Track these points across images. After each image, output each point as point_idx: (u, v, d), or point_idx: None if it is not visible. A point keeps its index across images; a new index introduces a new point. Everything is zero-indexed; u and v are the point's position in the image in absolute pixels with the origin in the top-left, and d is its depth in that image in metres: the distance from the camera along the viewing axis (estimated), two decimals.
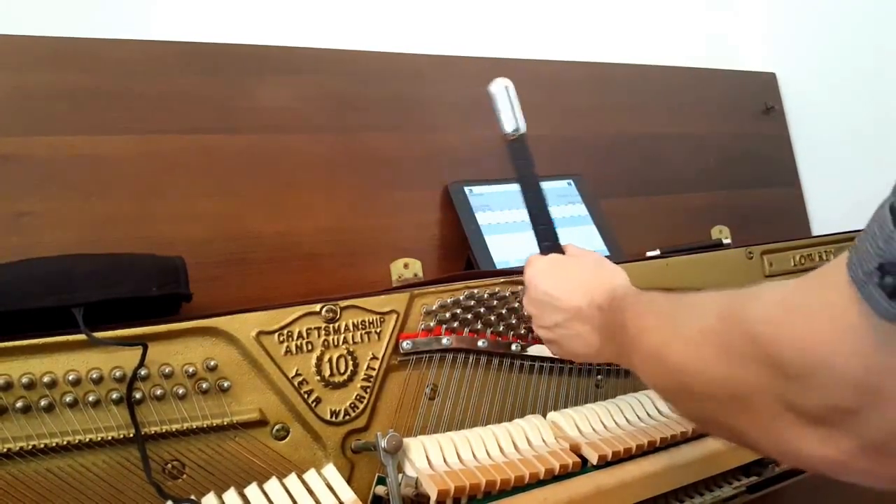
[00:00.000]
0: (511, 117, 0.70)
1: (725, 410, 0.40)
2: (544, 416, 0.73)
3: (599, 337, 0.58)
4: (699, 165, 1.31)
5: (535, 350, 0.76)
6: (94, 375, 0.59)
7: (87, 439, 0.58)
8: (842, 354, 0.31)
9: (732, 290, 0.42)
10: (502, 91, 0.70)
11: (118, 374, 0.59)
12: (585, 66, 1.25)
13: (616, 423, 0.73)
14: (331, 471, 0.62)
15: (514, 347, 0.76)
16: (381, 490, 0.63)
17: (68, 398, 0.58)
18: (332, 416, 0.67)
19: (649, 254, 1.07)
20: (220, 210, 0.88)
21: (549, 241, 0.70)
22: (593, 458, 0.66)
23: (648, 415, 0.75)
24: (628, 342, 0.51)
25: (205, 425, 0.62)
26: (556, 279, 0.63)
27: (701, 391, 0.42)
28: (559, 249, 0.69)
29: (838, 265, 0.32)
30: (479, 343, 0.75)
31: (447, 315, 0.74)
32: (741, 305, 0.39)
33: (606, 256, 1.01)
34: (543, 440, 0.69)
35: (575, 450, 0.67)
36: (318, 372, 0.67)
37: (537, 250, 0.70)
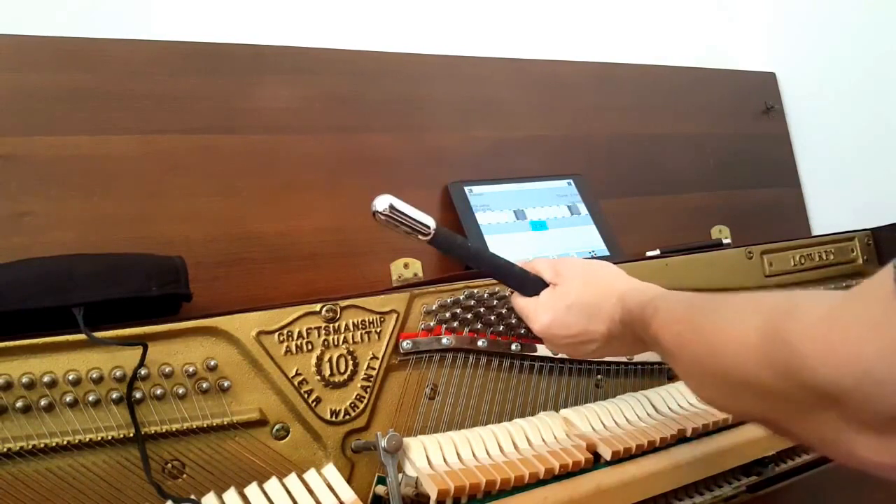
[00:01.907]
0: (418, 224, 0.63)
1: (778, 415, 0.40)
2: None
3: (634, 341, 0.58)
4: (699, 165, 1.31)
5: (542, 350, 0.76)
6: (94, 375, 0.59)
7: (87, 439, 0.58)
8: (890, 366, 0.31)
9: (765, 296, 0.41)
10: (388, 208, 0.62)
11: (118, 373, 0.59)
12: (585, 66, 1.25)
13: (616, 422, 0.73)
14: (331, 471, 0.62)
15: (514, 347, 0.76)
16: (381, 490, 0.63)
17: (68, 398, 0.58)
18: (332, 416, 0.67)
19: (649, 254, 1.07)
20: (220, 210, 0.88)
21: (525, 284, 0.67)
22: (608, 455, 0.66)
23: (648, 414, 0.75)
24: (667, 351, 0.51)
25: (205, 425, 0.62)
26: (568, 320, 0.62)
27: (749, 401, 0.42)
28: (538, 282, 0.66)
29: (883, 277, 0.32)
30: (479, 343, 0.75)
31: (447, 315, 0.74)
32: (783, 319, 0.38)
33: (605, 257, 1.02)
34: (555, 437, 0.69)
35: (590, 447, 0.67)
36: (318, 372, 0.67)
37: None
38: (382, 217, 0.61)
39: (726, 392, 0.44)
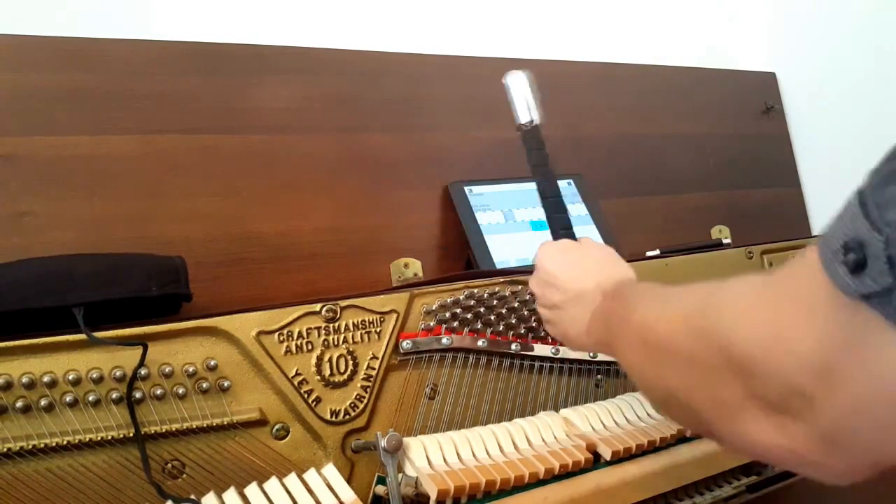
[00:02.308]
0: (519, 109, 0.71)
1: (692, 395, 0.40)
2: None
3: (591, 321, 0.58)
4: (699, 165, 1.31)
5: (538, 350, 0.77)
6: (94, 375, 0.59)
7: (87, 439, 0.58)
8: (805, 339, 0.31)
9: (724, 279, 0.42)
10: (517, 82, 0.71)
11: (118, 373, 0.59)
12: (585, 66, 1.25)
13: (616, 422, 0.73)
14: (331, 470, 0.62)
15: (514, 347, 0.76)
16: (381, 490, 0.63)
17: (68, 398, 0.58)
18: (332, 416, 0.67)
19: (649, 254, 1.07)
20: (220, 210, 0.88)
21: (563, 228, 0.70)
22: (607, 455, 0.66)
23: (648, 414, 0.75)
24: (616, 325, 0.52)
25: (205, 425, 0.62)
26: (563, 262, 0.63)
27: (671, 370, 0.43)
28: (571, 235, 0.69)
29: (811, 250, 0.32)
30: (479, 343, 0.75)
31: (447, 315, 0.74)
32: (718, 292, 0.40)
33: None
34: (555, 437, 0.69)
35: (590, 447, 0.67)
36: (318, 371, 0.67)
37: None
38: (508, 82, 0.72)
39: (654, 367, 0.45)
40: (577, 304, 0.60)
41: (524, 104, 0.71)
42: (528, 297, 0.78)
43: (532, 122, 0.71)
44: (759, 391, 0.34)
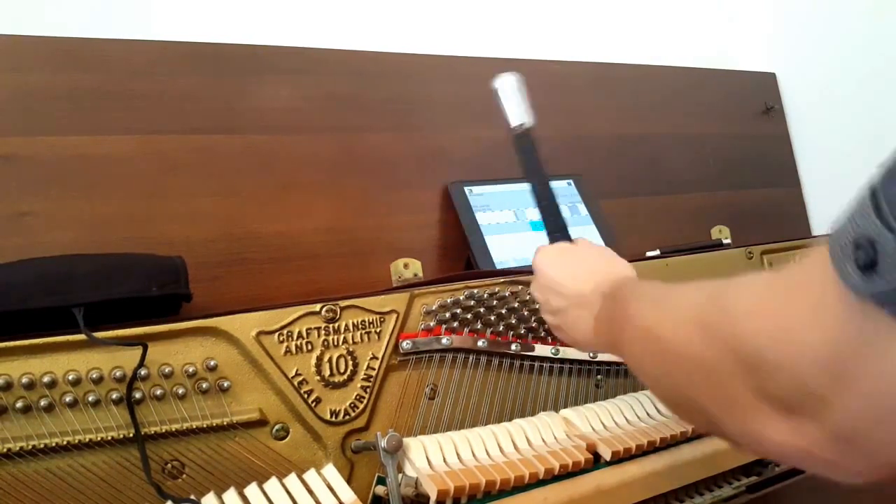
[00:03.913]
0: (516, 112, 0.70)
1: (702, 395, 0.40)
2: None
3: (595, 320, 0.58)
4: (699, 165, 1.31)
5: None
6: (94, 375, 0.59)
7: (87, 439, 0.58)
8: (816, 338, 0.31)
9: (717, 279, 0.42)
10: (507, 86, 0.71)
11: (118, 374, 0.59)
12: (586, 66, 1.25)
13: (616, 422, 0.73)
14: (331, 471, 0.62)
15: (514, 347, 0.76)
16: (381, 490, 0.63)
17: (68, 398, 0.58)
18: (332, 416, 0.67)
19: (649, 254, 1.07)
20: (220, 210, 0.88)
21: (559, 231, 0.70)
22: (607, 455, 0.66)
23: (648, 414, 0.75)
24: (621, 324, 0.52)
25: (205, 425, 0.62)
26: (562, 266, 0.63)
27: (679, 371, 0.42)
28: (567, 237, 0.69)
29: (820, 248, 0.32)
30: (479, 343, 0.75)
31: (447, 315, 0.74)
32: (726, 289, 0.39)
33: None
34: (555, 437, 0.69)
35: (590, 447, 0.67)
36: (318, 372, 0.67)
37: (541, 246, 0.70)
38: (498, 86, 0.71)
39: (662, 363, 0.44)
40: (579, 307, 0.60)
41: (516, 107, 0.70)
42: (528, 297, 0.78)
43: (524, 125, 0.70)
44: (771, 391, 0.34)
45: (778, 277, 0.36)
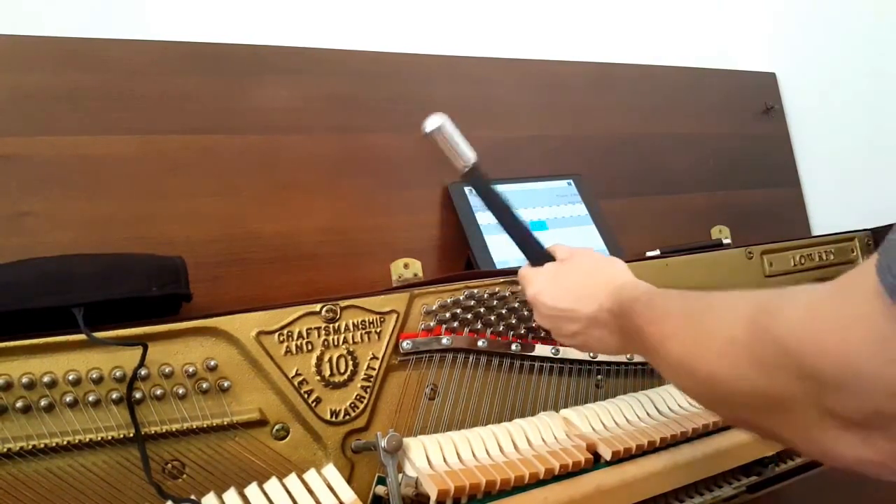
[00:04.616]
0: (459, 151, 0.68)
1: (761, 416, 0.40)
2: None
3: (620, 337, 0.58)
4: (699, 165, 1.31)
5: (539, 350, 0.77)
6: (94, 375, 0.59)
7: (87, 439, 0.58)
8: (874, 362, 0.31)
9: (755, 294, 0.41)
10: (443, 127, 0.68)
11: (118, 374, 0.59)
12: (585, 66, 1.25)
13: (616, 422, 0.73)
14: (331, 471, 0.62)
15: (514, 347, 0.76)
16: (381, 490, 0.63)
17: (68, 398, 0.58)
18: (332, 416, 0.67)
19: (649, 254, 1.07)
20: (220, 210, 0.88)
21: (535, 252, 0.69)
22: (607, 455, 0.66)
23: (648, 414, 0.75)
24: (650, 349, 0.51)
25: (205, 425, 0.62)
26: (559, 293, 0.63)
27: (734, 400, 0.42)
28: (548, 257, 0.68)
29: (867, 270, 0.32)
30: (479, 343, 0.75)
31: (447, 315, 0.74)
32: (769, 315, 0.38)
33: None
34: (555, 437, 0.69)
35: (590, 447, 0.67)
36: (318, 372, 0.67)
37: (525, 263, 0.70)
38: (433, 131, 0.68)
39: (713, 392, 0.44)
40: (595, 327, 0.60)
41: (458, 147, 0.68)
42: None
43: (471, 161, 0.69)
44: (838, 411, 0.34)
45: (822, 300, 0.36)
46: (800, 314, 0.36)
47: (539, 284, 0.65)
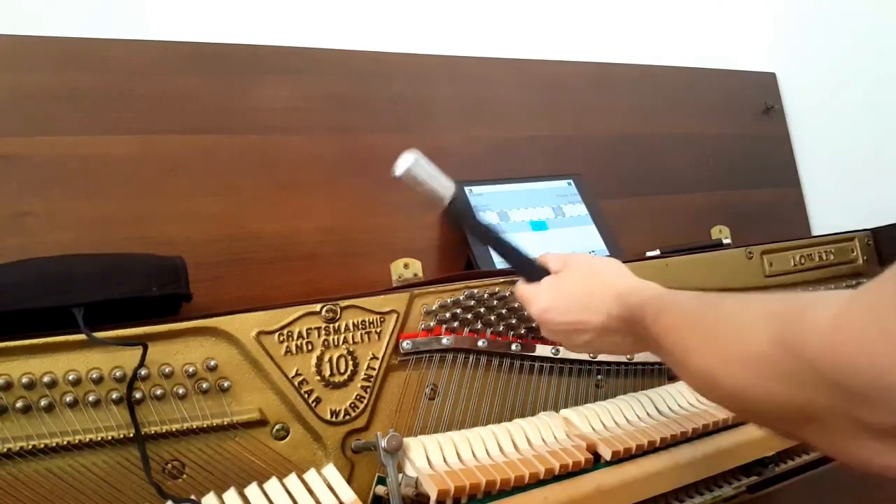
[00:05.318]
0: (440, 185, 0.65)
1: (794, 427, 0.40)
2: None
3: (634, 340, 0.58)
4: (699, 165, 1.31)
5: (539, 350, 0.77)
6: (94, 375, 0.59)
7: (87, 439, 0.58)
8: None
9: (772, 303, 0.41)
10: (417, 165, 0.65)
11: (118, 374, 0.59)
12: (585, 66, 1.25)
13: (616, 422, 0.73)
14: (331, 471, 0.62)
15: (514, 347, 0.76)
16: (381, 490, 0.63)
17: (68, 398, 0.58)
18: (332, 416, 0.67)
19: (649, 254, 1.07)
20: (221, 210, 0.88)
21: (529, 269, 0.68)
22: (607, 455, 0.66)
23: (648, 414, 0.75)
24: (667, 356, 0.51)
25: (205, 425, 0.62)
26: (564, 306, 0.63)
27: (765, 413, 0.42)
28: (542, 271, 0.67)
29: (890, 280, 0.32)
30: (479, 343, 0.75)
31: (447, 315, 0.74)
32: (793, 330, 0.38)
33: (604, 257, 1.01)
34: (555, 437, 0.69)
35: (590, 447, 0.67)
36: (318, 372, 0.67)
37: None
38: (409, 170, 0.64)
39: (736, 402, 0.44)
40: (607, 334, 0.60)
41: (436, 182, 0.65)
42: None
43: (450, 191, 0.66)
44: (867, 422, 0.34)
45: (847, 311, 0.35)
46: (826, 328, 0.36)
47: (542, 302, 0.64)
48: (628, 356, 0.82)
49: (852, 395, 0.34)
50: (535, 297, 0.65)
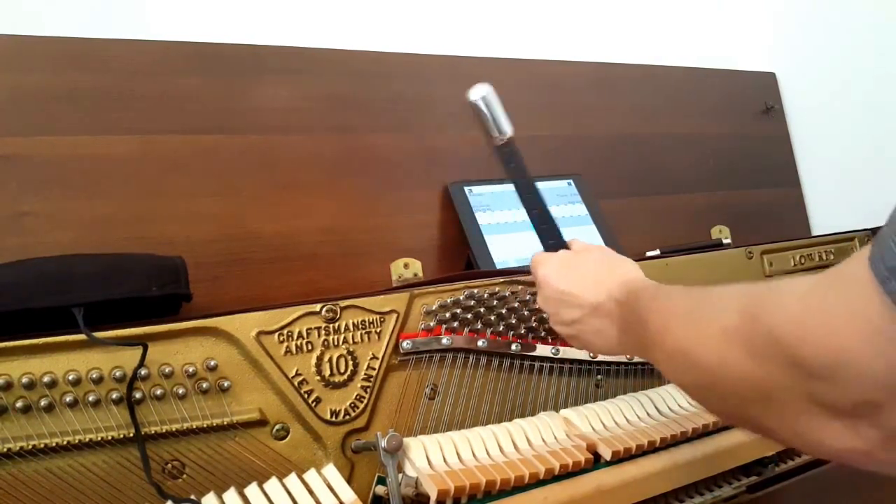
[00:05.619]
0: (497, 123, 0.69)
1: (750, 406, 0.40)
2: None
3: (618, 331, 0.58)
4: (699, 165, 1.31)
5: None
6: (94, 375, 0.59)
7: (87, 439, 0.58)
8: (865, 352, 0.32)
9: (751, 285, 0.42)
10: (485, 96, 0.69)
11: (118, 374, 0.59)
12: (585, 66, 1.25)
13: (616, 422, 0.73)
14: (331, 471, 0.62)
15: (514, 347, 0.76)
16: (381, 490, 0.63)
17: (68, 398, 0.58)
18: (332, 416, 0.67)
19: (649, 254, 1.07)
20: (220, 210, 0.88)
21: (553, 238, 0.70)
22: (608, 455, 0.66)
23: (648, 414, 0.75)
24: (649, 339, 0.51)
25: (205, 425, 0.62)
26: (569, 276, 0.63)
27: (724, 388, 0.42)
28: (565, 246, 0.69)
29: (859, 261, 0.32)
30: (479, 343, 0.75)
31: (447, 315, 0.74)
32: (762, 304, 0.39)
33: None
34: (555, 437, 0.69)
35: (590, 447, 0.67)
36: (318, 372, 0.67)
37: (539, 249, 0.70)
38: (476, 100, 0.68)
39: (705, 381, 0.44)
40: (596, 316, 0.60)
41: (498, 118, 0.69)
42: (528, 297, 0.78)
43: (507, 134, 0.69)
44: (825, 399, 0.35)
45: (814, 290, 0.36)
46: (792, 304, 0.37)
47: (549, 267, 0.65)
48: (627, 356, 0.82)
49: (810, 371, 0.34)
50: (544, 262, 0.66)
